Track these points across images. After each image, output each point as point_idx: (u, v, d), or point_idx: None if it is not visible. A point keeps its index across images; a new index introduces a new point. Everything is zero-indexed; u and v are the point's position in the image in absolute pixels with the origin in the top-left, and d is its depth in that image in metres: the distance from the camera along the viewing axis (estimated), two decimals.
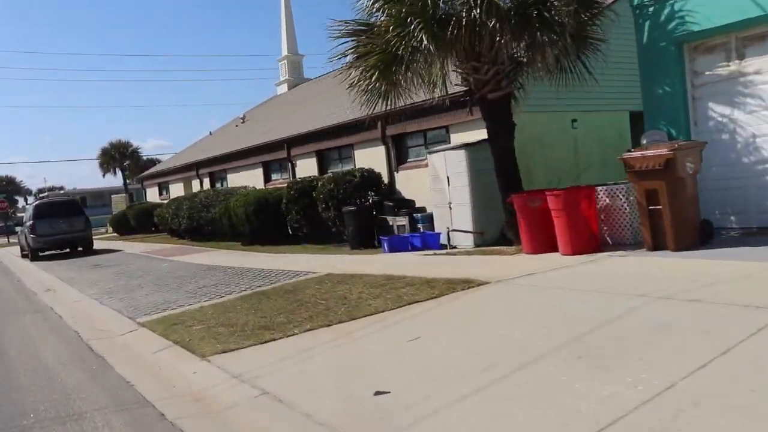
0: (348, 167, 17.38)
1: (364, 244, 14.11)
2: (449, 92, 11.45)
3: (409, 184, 15.17)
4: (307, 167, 19.14)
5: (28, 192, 78.56)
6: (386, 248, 12.60)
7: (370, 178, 15.26)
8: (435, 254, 11.69)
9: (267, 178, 22.25)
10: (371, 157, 16.11)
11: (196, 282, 11.23)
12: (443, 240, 12.78)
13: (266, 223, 17.49)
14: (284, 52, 34.54)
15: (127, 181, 48.59)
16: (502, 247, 10.86)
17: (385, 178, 15.64)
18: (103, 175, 48.90)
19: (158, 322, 7.90)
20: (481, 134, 11.84)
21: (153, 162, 44.42)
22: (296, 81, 34.16)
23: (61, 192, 54.04)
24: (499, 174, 10.72)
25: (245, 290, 9.48)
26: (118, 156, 47.68)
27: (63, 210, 22.40)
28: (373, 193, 14.98)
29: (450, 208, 12.80)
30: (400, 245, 12.52)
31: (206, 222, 21.19)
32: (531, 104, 12.24)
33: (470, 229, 12.37)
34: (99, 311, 9.68)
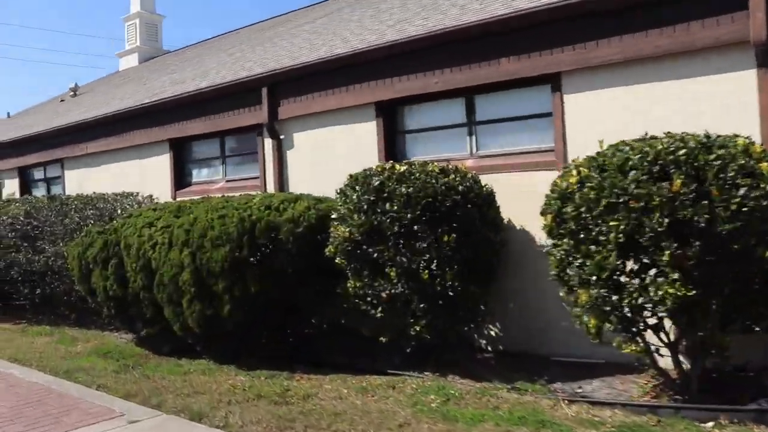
0: (501, 140, 6.01)
1: None
2: None
3: None
4: (328, 150, 7.29)
5: None
6: None
7: None
8: None
9: (180, 181, 9.70)
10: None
11: None
12: None
13: (268, 296, 5.45)
14: (136, 7, 21.84)
15: None
16: None
17: None
18: None
19: None
20: None
21: None
22: (152, 52, 21.47)
23: None
24: None
25: None
26: None
27: None
28: None
29: None
30: None
31: (29, 275, 8.24)
32: None
33: None
34: None
